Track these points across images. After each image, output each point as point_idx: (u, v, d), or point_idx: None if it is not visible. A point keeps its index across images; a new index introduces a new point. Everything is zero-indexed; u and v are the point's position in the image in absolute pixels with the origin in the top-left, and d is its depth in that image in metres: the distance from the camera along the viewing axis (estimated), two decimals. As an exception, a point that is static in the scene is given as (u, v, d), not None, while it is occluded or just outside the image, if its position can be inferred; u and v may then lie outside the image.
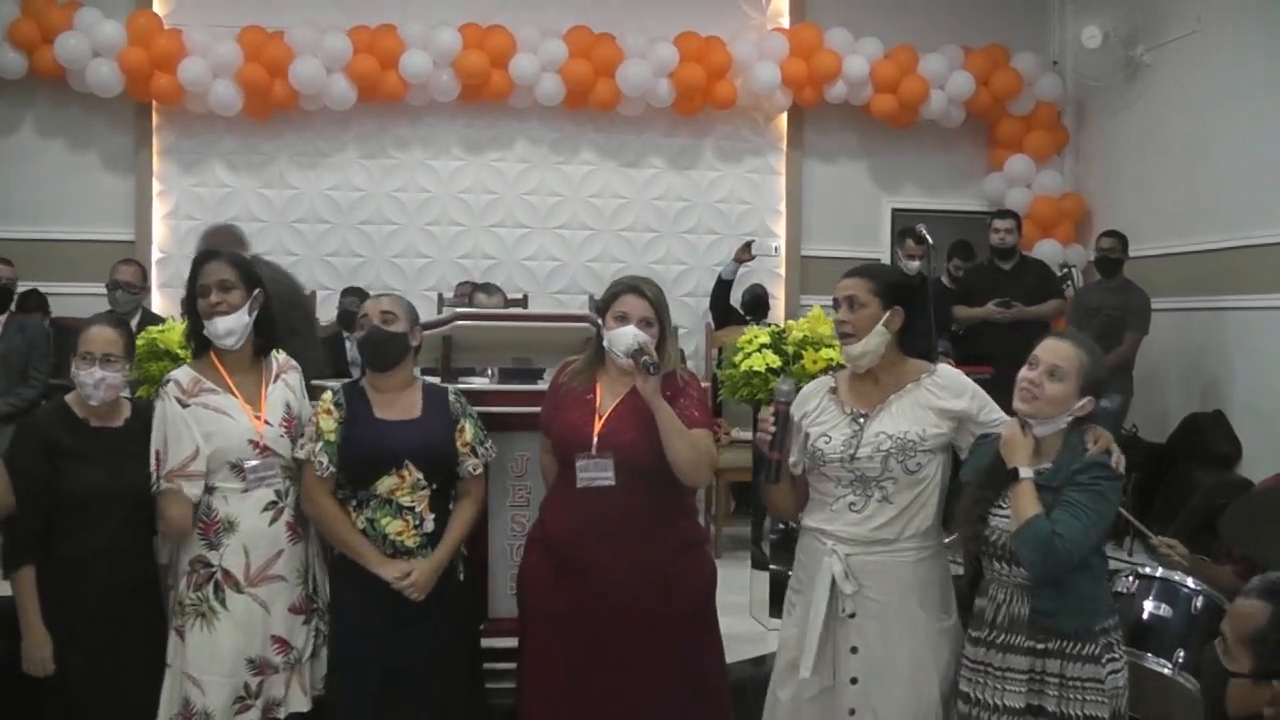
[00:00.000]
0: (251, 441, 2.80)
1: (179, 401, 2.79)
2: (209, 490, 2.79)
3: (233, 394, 2.83)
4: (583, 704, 2.74)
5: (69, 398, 2.88)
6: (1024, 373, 2.46)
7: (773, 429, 2.59)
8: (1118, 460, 2.42)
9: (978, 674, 2.47)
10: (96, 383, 2.79)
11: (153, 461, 2.78)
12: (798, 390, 2.79)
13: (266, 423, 2.84)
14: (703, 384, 4.54)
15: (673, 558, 2.80)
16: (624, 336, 2.74)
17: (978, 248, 6.45)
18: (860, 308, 2.60)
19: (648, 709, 2.74)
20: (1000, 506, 2.44)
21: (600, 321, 2.84)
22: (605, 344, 2.80)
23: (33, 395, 5.05)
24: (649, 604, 2.73)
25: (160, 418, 2.80)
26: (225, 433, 2.78)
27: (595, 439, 2.75)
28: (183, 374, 2.85)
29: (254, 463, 2.79)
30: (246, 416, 2.82)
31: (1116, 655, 2.43)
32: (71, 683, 2.76)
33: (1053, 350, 2.43)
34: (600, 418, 2.78)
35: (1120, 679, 2.42)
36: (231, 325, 2.82)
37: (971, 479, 2.51)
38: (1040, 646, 2.39)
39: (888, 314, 2.60)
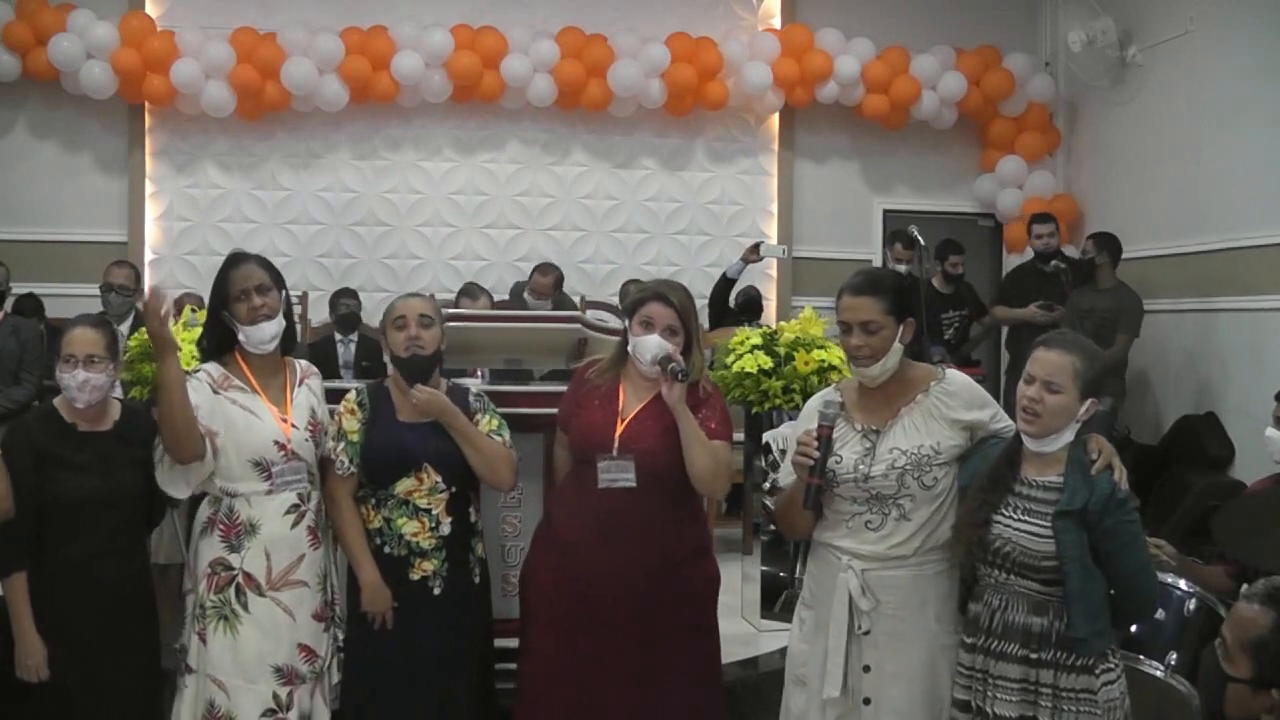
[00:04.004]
0: (278, 443, 2.78)
1: (211, 389, 2.77)
2: (231, 494, 2.77)
3: (259, 394, 2.82)
4: (583, 704, 2.73)
5: (57, 401, 2.84)
6: (1022, 389, 2.40)
7: (816, 454, 2.45)
8: (1121, 476, 2.36)
9: (974, 681, 2.42)
10: (80, 385, 2.74)
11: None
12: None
13: (293, 426, 2.82)
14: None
15: (681, 562, 2.79)
16: (648, 345, 2.72)
17: (976, 249, 6.48)
18: (877, 330, 2.47)
19: (647, 710, 2.73)
20: (1003, 511, 2.40)
21: (626, 324, 2.82)
22: (630, 349, 2.78)
23: (24, 397, 5.05)
24: (654, 606, 2.72)
25: (196, 390, 2.74)
26: (252, 430, 2.77)
27: (616, 442, 2.74)
28: (212, 368, 2.83)
29: (280, 465, 2.78)
30: (273, 418, 2.80)
31: (1112, 666, 2.37)
32: (66, 687, 2.74)
33: (1044, 363, 2.37)
34: (623, 420, 2.77)
35: (1115, 690, 2.36)
36: (275, 329, 2.81)
37: (974, 483, 2.45)
38: (1034, 656, 2.35)
39: (901, 329, 2.50)
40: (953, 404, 2.52)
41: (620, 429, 2.75)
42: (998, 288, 6.55)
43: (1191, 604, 3.07)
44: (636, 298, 2.82)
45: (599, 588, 2.72)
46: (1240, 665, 2.27)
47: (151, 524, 2.99)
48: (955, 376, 2.59)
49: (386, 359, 2.93)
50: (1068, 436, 2.39)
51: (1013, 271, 6.48)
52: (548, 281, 6.03)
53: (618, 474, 2.73)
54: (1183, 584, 3.09)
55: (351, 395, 2.91)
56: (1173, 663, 2.96)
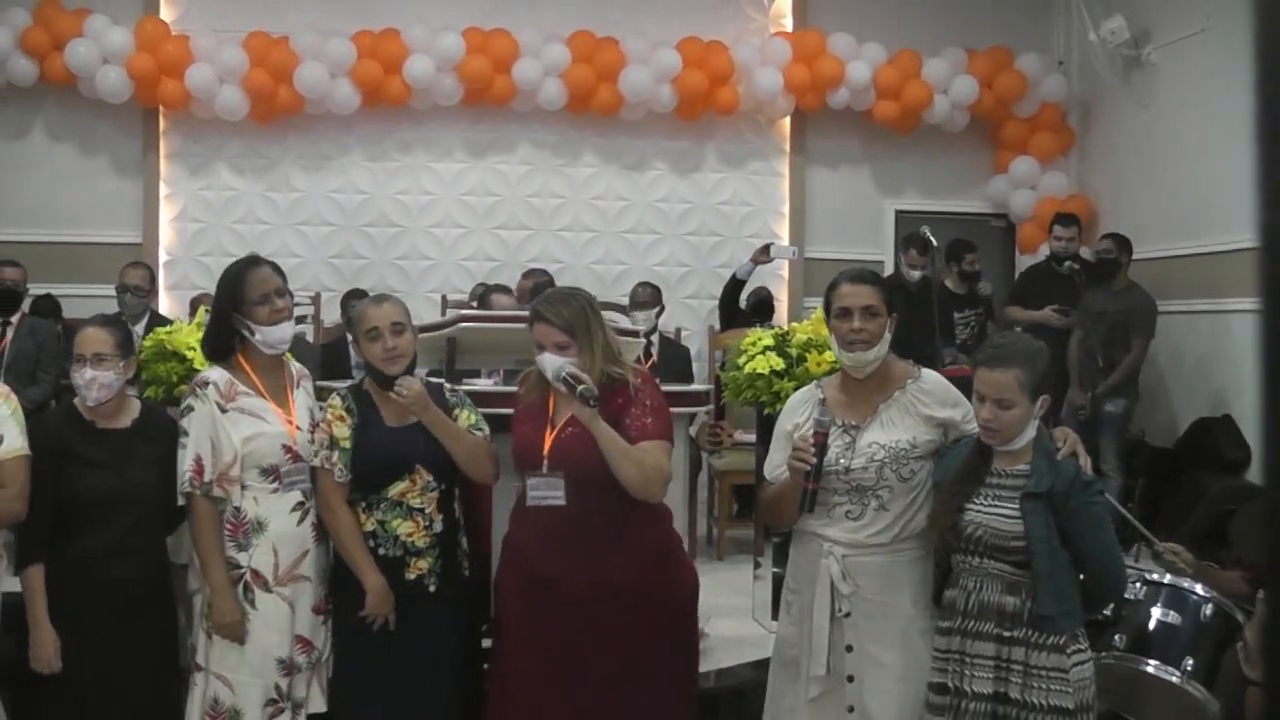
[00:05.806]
0: (285, 447, 2.83)
1: (219, 406, 2.80)
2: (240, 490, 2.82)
3: (264, 397, 2.86)
4: (553, 711, 2.69)
5: (77, 400, 2.89)
6: (976, 408, 2.55)
7: (814, 459, 2.56)
8: (1085, 463, 2.54)
9: (951, 663, 2.52)
10: (88, 383, 2.80)
11: (189, 463, 2.76)
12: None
13: (298, 427, 2.87)
14: (704, 386, 4.50)
15: (648, 572, 2.73)
16: (546, 365, 2.69)
17: (988, 250, 6.45)
18: (875, 316, 2.64)
19: (620, 716, 2.70)
20: (975, 500, 2.52)
21: None
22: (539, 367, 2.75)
23: (40, 397, 5.09)
24: (620, 619, 2.68)
25: (203, 420, 2.78)
26: (263, 436, 2.81)
27: (545, 456, 2.70)
28: (218, 375, 2.85)
29: (288, 468, 2.83)
30: (279, 421, 2.85)
31: (1082, 646, 2.48)
32: (81, 682, 2.77)
33: (990, 383, 2.50)
34: (552, 430, 2.74)
35: (1086, 670, 2.46)
36: (291, 331, 2.90)
37: (946, 477, 2.59)
38: (1007, 634, 2.46)
39: (889, 320, 2.67)
40: (927, 401, 2.66)
41: (549, 441, 2.71)
42: (1011, 288, 6.51)
43: (1208, 609, 3.05)
44: (529, 317, 2.77)
45: (559, 600, 2.68)
46: (1260, 668, 2.27)
47: (173, 524, 3.01)
48: (930, 375, 2.74)
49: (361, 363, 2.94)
50: (1030, 433, 2.53)
51: (1026, 272, 6.46)
52: (527, 286, 5.48)
53: (546, 492, 2.68)
54: (1199, 589, 3.07)
55: (337, 401, 2.90)
56: (1189, 668, 2.94)
